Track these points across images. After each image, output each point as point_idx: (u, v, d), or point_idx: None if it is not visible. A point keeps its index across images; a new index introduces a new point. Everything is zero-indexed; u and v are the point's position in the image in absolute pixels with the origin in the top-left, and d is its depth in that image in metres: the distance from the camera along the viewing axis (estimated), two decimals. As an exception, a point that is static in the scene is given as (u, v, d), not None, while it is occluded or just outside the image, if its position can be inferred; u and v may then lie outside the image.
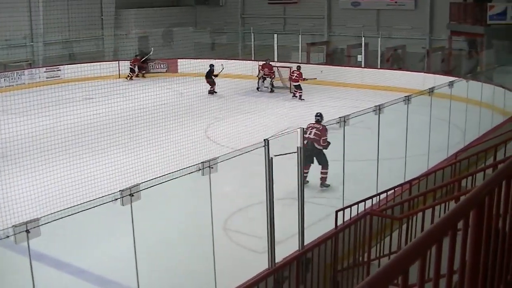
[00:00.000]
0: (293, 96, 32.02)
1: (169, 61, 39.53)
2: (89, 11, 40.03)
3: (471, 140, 17.78)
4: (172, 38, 39.33)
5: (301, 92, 31.67)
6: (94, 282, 12.12)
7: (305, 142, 14.89)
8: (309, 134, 16.59)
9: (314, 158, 16.75)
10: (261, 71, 33.90)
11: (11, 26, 35.48)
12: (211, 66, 32.83)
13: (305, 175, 15.44)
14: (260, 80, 34.12)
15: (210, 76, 32.69)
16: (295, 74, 31.94)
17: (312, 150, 16.47)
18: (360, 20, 41.43)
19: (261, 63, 34.39)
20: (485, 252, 3.31)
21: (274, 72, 33.90)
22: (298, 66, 32.75)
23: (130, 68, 38.05)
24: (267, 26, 44.01)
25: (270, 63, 34.27)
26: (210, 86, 32.69)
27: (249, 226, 13.65)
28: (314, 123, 17.15)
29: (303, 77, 31.58)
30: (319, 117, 17.49)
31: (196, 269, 11.74)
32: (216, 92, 32.51)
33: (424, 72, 32.90)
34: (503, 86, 24.72)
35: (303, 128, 10.12)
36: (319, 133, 16.69)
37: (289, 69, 33.39)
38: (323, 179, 16.70)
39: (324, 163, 16.61)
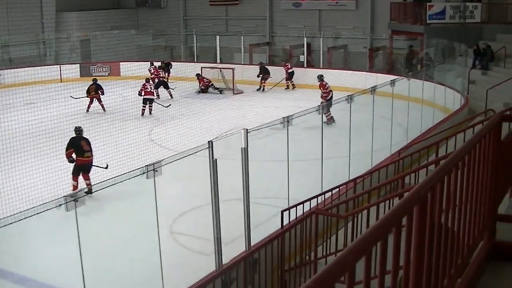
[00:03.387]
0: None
1: (111, 64, 39.17)
2: (29, 15, 39.41)
3: (414, 137, 18.03)
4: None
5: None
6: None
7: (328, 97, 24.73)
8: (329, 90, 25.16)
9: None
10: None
11: None
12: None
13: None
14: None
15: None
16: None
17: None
18: (302, 21, 41.69)
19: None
20: (429, 247, 3.35)
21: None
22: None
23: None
24: (210, 27, 43.94)
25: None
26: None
27: (195, 228, 13.61)
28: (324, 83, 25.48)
29: None
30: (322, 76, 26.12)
31: (143, 272, 11.65)
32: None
33: (366, 71, 33.23)
34: (444, 84, 25.12)
35: (247, 129, 10.12)
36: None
37: (231, 70, 33.43)
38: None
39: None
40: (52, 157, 18.95)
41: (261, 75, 33.87)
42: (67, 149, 16.61)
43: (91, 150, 16.77)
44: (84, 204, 8.35)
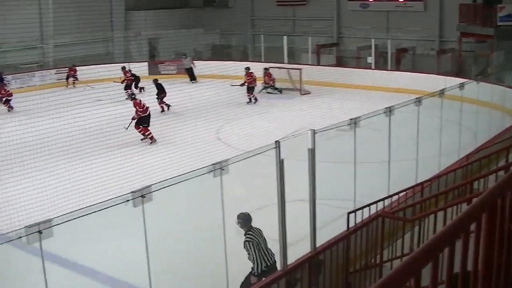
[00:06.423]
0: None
1: (178, 63, 39.49)
2: (98, 13, 40.13)
3: (483, 142, 17.73)
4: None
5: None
6: (106, 283, 12.18)
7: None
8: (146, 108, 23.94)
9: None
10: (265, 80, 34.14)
11: (22, 28, 35.65)
12: None
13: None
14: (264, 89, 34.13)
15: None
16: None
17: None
18: (369, 22, 41.35)
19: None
20: (498, 255, 3.32)
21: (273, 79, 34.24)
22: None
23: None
24: (277, 27, 43.94)
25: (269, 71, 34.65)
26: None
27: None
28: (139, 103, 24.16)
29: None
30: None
31: (207, 271, 11.76)
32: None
33: (435, 74, 32.84)
34: (514, 88, 24.69)
35: (314, 130, 10.11)
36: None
37: (299, 70, 33.40)
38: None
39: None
40: (121, 153, 19.29)
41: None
42: None
43: None
44: (151, 200, 8.45)
